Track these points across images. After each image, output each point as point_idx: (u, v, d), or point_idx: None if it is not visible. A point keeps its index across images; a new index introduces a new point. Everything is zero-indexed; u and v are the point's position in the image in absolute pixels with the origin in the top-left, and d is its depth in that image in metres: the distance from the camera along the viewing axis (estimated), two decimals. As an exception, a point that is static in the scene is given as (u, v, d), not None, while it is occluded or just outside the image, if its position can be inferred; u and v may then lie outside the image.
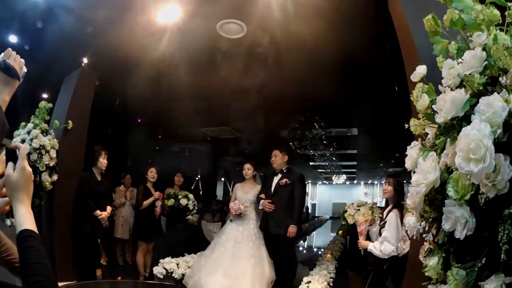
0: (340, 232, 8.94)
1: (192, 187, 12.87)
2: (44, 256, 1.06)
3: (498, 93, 1.12)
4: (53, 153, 4.74)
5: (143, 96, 6.81)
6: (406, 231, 1.70)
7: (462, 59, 1.25)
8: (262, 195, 5.14)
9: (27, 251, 1.05)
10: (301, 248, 11.79)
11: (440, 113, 1.25)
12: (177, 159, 11.97)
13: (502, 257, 0.98)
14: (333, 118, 8.65)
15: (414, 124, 1.51)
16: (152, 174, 6.09)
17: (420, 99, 1.42)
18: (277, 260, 4.95)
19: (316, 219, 23.72)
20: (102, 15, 4.45)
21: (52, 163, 4.72)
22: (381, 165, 17.24)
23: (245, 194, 5.31)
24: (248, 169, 5.42)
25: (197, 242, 6.55)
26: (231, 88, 6.64)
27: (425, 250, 1.39)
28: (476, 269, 1.07)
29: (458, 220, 1.10)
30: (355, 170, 20.77)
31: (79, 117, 5.26)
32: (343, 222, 6.06)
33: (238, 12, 4.58)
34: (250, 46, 5.24)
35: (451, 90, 1.27)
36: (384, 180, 4.98)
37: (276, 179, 5.11)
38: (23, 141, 4.55)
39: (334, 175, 23.51)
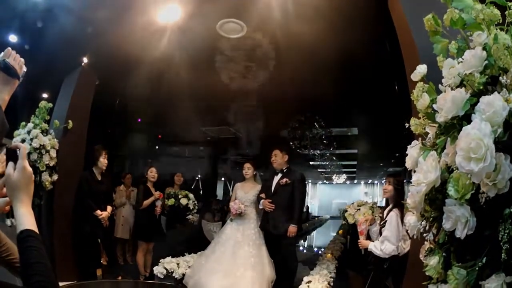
0: (341, 231, 8.96)
1: (192, 187, 12.86)
2: (45, 256, 1.06)
3: (499, 92, 1.12)
4: (53, 153, 4.75)
5: (143, 96, 6.81)
6: (407, 231, 1.70)
7: (463, 59, 1.25)
8: (263, 195, 5.14)
9: (28, 251, 1.05)
10: (301, 248, 11.79)
11: (441, 112, 1.25)
12: (177, 158, 11.97)
13: (502, 257, 0.98)
14: (333, 117, 8.66)
15: (414, 124, 1.51)
16: (152, 173, 6.09)
17: (421, 98, 1.42)
18: (278, 259, 4.95)
19: (316, 218, 23.71)
20: (102, 15, 4.45)
21: (52, 163, 4.73)
22: (381, 164, 17.24)
23: (245, 194, 5.31)
24: (248, 169, 5.42)
25: (198, 242, 6.55)
26: (231, 88, 6.64)
27: (426, 249, 1.39)
28: (477, 268, 1.06)
29: (458, 219, 1.10)
30: (355, 169, 20.78)
31: (79, 117, 5.27)
32: (344, 222, 6.08)
33: (238, 12, 4.58)
34: (250, 45, 5.24)
35: (452, 89, 1.27)
36: (384, 180, 4.98)
37: (276, 179, 5.11)
38: (23, 140, 4.55)
39: (334, 175, 23.54)
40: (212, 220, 8.15)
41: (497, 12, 1.26)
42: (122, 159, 10.73)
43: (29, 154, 4.43)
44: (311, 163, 15.56)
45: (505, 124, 1.06)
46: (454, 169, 1.16)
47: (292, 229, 4.80)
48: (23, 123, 4.74)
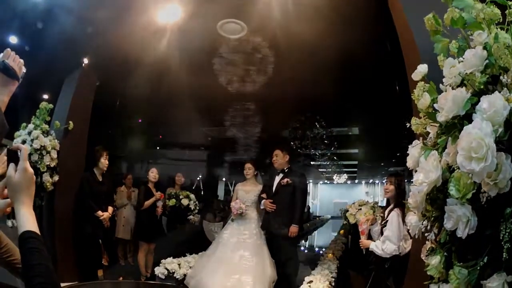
0: (342, 231, 8.94)
1: (193, 187, 12.86)
2: (46, 257, 1.06)
3: (499, 91, 1.12)
4: (54, 154, 4.75)
5: (143, 96, 6.80)
6: (408, 230, 1.70)
7: (463, 58, 1.25)
8: (264, 195, 5.15)
9: (29, 253, 1.05)
10: (302, 248, 11.77)
11: (442, 112, 1.25)
12: (178, 159, 11.96)
13: (504, 256, 0.98)
14: (334, 117, 8.65)
15: (415, 123, 1.51)
16: (153, 174, 6.10)
17: (421, 98, 1.42)
18: (279, 259, 4.95)
19: (317, 218, 23.68)
20: (102, 15, 4.44)
21: (53, 164, 4.73)
22: (382, 164, 17.19)
23: (246, 194, 5.31)
24: (249, 169, 5.42)
25: (199, 242, 6.55)
26: (231, 88, 6.64)
27: (427, 249, 1.39)
28: (478, 268, 1.06)
29: (460, 219, 1.09)
30: (356, 169, 20.73)
31: (80, 117, 5.27)
32: (345, 222, 6.07)
33: (238, 12, 4.58)
34: (250, 46, 5.24)
35: (452, 89, 1.27)
36: (385, 180, 4.97)
37: (277, 179, 5.11)
38: (24, 142, 4.55)
39: (335, 175, 23.49)
40: (213, 220, 8.17)
41: (497, 11, 1.26)
42: (122, 159, 10.73)
43: (29, 155, 4.43)
44: (312, 163, 15.55)
45: (506, 124, 1.06)
46: (455, 168, 1.16)
47: (293, 229, 4.80)
48: (24, 124, 4.74)
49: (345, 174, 23.82)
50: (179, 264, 4.98)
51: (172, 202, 6.67)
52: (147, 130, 9.75)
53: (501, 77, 1.18)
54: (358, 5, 4.19)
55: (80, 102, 5.34)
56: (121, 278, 5.52)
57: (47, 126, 4.83)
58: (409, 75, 1.62)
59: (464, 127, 1.10)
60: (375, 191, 28.17)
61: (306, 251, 11.48)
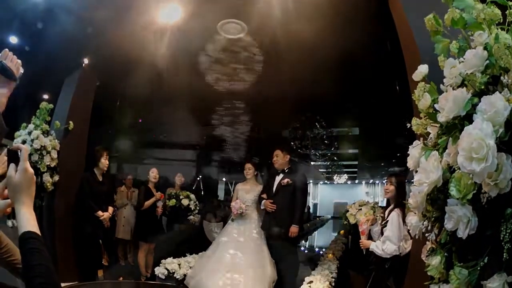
0: (342, 231, 8.94)
1: (194, 187, 12.87)
2: (47, 258, 1.06)
3: (500, 92, 1.12)
4: (54, 154, 4.75)
5: (144, 96, 6.80)
6: (408, 231, 1.70)
7: (464, 58, 1.25)
8: (264, 195, 5.15)
9: (30, 253, 1.05)
10: (302, 248, 11.77)
11: (442, 112, 1.25)
12: (178, 158, 11.97)
13: (504, 256, 0.98)
14: (334, 117, 8.65)
15: (416, 124, 1.51)
16: (153, 174, 6.10)
17: (422, 98, 1.42)
18: (279, 259, 4.95)
19: (317, 218, 23.68)
20: (102, 15, 4.44)
21: (53, 164, 4.73)
22: (382, 164, 17.20)
23: (246, 194, 5.31)
24: (249, 169, 5.42)
25: (199, 242, 6.55)
26: (231, 88, 6.63)
27: (428, 249, 1.39)
28: (479, 268, 1.06)
29: (460, 219, 1.09)
30: (356, 169, 20.73)
31: (80, 117, 5.27)
32: (345, 222, 6.06)
33: (238, 12, 4.58)
34: (250, 45, 5.24)
35: (453, 89, 1.27)
36: (385, 180, 4.97)
37: (277, 179, 5.11)
38: (24, 142, 4.56)
39: (336, 175, 23.50)
40: (214, 220, 8.15)
41: (497, 11, 1.26)
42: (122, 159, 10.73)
43: (30, 155, 4.43)
44: (312, 163, 15.56)
45: (506, 124, 1.06)
46: (456, 169, 1.16)
47: (294, 229, 4.80)
48: (24, 124, 4.74)
49: (345, 174, 23.82)
50: (179, 264, 4.98)
51: (172, 202, 6.67)
52: (147, 129, 9.75)
53: (501, 78, 1.18)
54: (358, 5, 4.20)
55: (80, 102, 5.34)
56: (121, 278, 5.52)
57: (47, 126, 4.83)
58: (410, 76, 1.62)
59: (465, 128, 1.10)
60: (375, 191, 28.15)
61: (306, 251, 11.47)
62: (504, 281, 1.01)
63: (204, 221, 7.78)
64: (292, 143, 9.07)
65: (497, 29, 1.25)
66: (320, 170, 19.72)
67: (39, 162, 4.58)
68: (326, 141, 9.59)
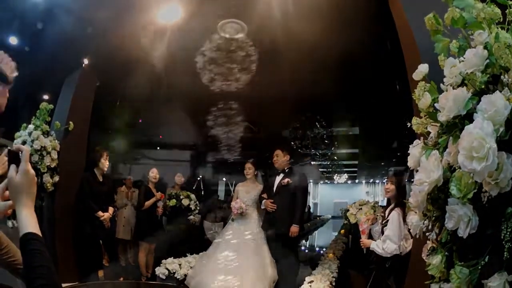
0: (342, 231, 8.94)
1: (194, 187, 12.87)
2: (48, 259, 1.06)
3: (500, 91, 1.12)
4: (54, 154, 4.75)
5: (144, 96, 6.80)
6: (409, 230, 1.70)
7: (464, 58, 1.25)
8: (264, 195, 5.15)
9: (31, 254, 1.05)
10: (303, 248, 11.76)
11: (442, 111, 1.25)
12: (178, 159, 11.96)
13: (505, 255, 0.98)
14: (334, 117, 8.65)
15: (416, 123, 1.50)
16: (153, 174, 6.10)
17: (422, 97, 1.41)
18: (279, 259, 4.95)
19: (317, 218, 23.67)
20: (102, 15, 4.44)
21: (53, 164, 4.73)
22: (382, 164, 17.20)
23: (246, 194, 5.31)
24: (249, 169, 5.42)
25: (199, 242, 6.55)
26: (231, 88, 6.63)
27: (428, 248, 1.39)
28: (479, 267, 1.06)
29: (461, 218, 1.09)
30: (356, 169, 20.74)
31: (80, 118, 5.27)
32: (345, 221, 6.07)
33: (238, 12, 4.58)
34: (250, 45, 5.24)
35: (453, 88, 1.27)
36: (385, 179, 4.98)
37: (278, 179, 5.11)
38: (24, 142, 4.56)
39: (336, 175, 23.51)
40: (214, 220, 8.15)
41: (498, 10, 1.26)
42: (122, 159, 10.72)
43: (30, 155, 4.43)
44: (312, 163, 15.56)
45: (507, 123, 1.05)
46: (456, 168, 1.15)
47: (294, 229, 4.80)
48: (24, 124, 4.75)
49: (345, 174, 23.82)
50: (179, 264, 4.99)
51: (172, 202, 6.66)
52: (147, 129, 9.76)
53: (501, 77, 1.18)
54: (358, 5, 4.20)
55: (80, 102, 5.34)
56: (121, 279, 5.53)
57: (47, 126, 4.83)
58: (410, 75, 1.62)
59: (465, 127, 1.10)
60: (375, 191, 28.13)
61: (306, 251, 11.46)
62: (505, 280, 1.01)
63: (205, 221, 7.78)
64: (292, 143, 9.06)
65: (497, 28, 1.25)
66: (320, 169, 19.71)
67: (39, 163, 4.58)
68: (326, 141, 9.59)
